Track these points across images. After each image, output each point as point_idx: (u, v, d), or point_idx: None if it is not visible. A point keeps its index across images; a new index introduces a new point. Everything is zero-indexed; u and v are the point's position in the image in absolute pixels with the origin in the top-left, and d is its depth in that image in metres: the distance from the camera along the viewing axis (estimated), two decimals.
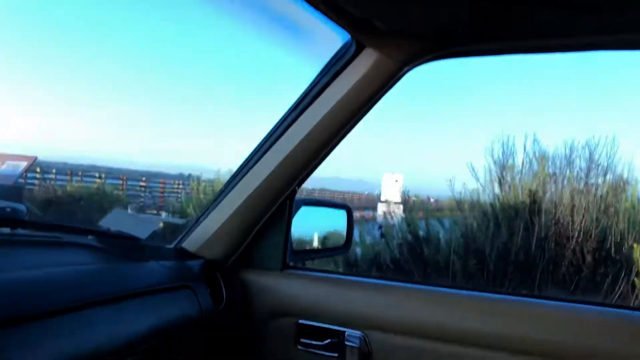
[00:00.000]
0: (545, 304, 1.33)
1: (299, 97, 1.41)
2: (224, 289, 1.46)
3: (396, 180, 6.97)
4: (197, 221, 1.55)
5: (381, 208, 6.68)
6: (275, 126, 1.45)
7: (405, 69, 1.28)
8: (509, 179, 4.98)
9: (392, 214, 5.74)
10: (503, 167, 5.14)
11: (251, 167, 1.45)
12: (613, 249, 3.97)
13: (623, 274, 3.78)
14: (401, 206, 6.11)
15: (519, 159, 5.18)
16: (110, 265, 1.23)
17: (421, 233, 4.81)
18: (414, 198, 6.39)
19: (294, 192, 1.52)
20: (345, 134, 1.42)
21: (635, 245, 3.78)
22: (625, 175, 4.88)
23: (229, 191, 1.49)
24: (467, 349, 1.31)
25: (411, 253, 4.58)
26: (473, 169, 5.25)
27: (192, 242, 1.53)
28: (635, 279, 3.70)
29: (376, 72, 1.28)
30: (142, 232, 1.50)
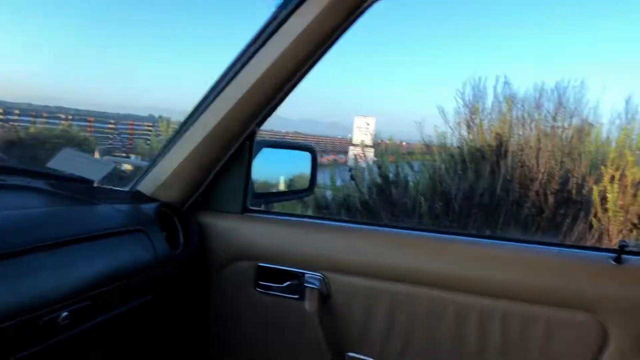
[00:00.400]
0: (498, 245, 1.35)
1: (258, 31, 1.34)
2: (180, 233, 1.44)
3: (368, 124, 6.91)
4: (154, 163, 1.50)
5: (352, 151, 6.67)
6: (232, 62, 1.38)
7: (369, 0, 1.22)
8: (477, 121, 5.00)
9: (363, 157, 5.74)
10: (472, 110, 5.14)
11: (208, 106, 1.39)
12: (574, 190, 4.08)
13: (582, 215, 3.91)
14: (372, 149, 6.11)
15: (489, 101, 5.19)
16: (59, 209, 1.19)
17: (391, 176, 4.84)
18: (387, 141, 6.39)
19: (254, 132, 1.47)
20: (308, 70, 1.36)
21: (594, 186, 3.90)
22: (590, 119, 4.97)
23: (185, 131, 1.43)
24: (424, 289, 1.34)
25: (380, 195, 4.63)
26: (443, 112, 5.25)
27: (147, 185, 1.48)
28: (593, 219, 3.84)
29: (339, 4, 1.22)
30: (96, 174, 1.45)
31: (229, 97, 1.36)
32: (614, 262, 1.23)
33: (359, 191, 4.77)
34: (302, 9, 1.25)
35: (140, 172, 1.53)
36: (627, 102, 5.04)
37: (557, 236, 3.90)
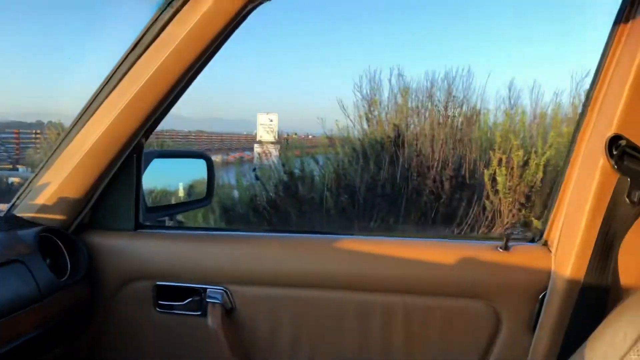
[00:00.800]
0: (397, 241, 1.39)
1: (137, 39, 1.25)
2: (67, 258, 1.32)
3: (271, 120, 6.89)
4: (31, 182, 1.36)
5: (257, 149, 6.61)
6: (112, 71, 1.28)
7: (250, 5, 1.19)
8: (375, 113, 5.16)
9: (268, 154, 5.71)
10: (370, 102, 5.30)
11: (88, 119, 1.28)
12: (467, 175, 4.36)
13: (476, 197, 4.19)
14: (277, 146, 6.09)
15: (385, 93, 5.37)
16: None
17: (296, 172, 4.86)
18: (293, 135, 6.40)
19: (141, 144, 1.38)
20: (194, 77, 1.30)
21: (485, 170, 4.19)
22: (478, 106, 5.32)
23: (65, 146, 1.31)
24: (328, 292, 1.34)
25: (286, 192, 4.63)
26: (343, 106, 5.36)
27: (26, 208, 1.34)
28: (486, 200, 4.12)
29: (219, 9, 1.17)
30: None
31: (110, 108, 1.26)
32: (501, 250, 1.32)
33: (265, 190, 4.74)
34: (183, 13, 1.19)
35: (18, 193, 1.38)
36: (510, 87, 5.47)
37: (455, 219, 4.15)
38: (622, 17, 1.20)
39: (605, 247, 1.18)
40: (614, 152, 1.15)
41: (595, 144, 1.21)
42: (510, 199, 4.00)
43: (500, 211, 4.04)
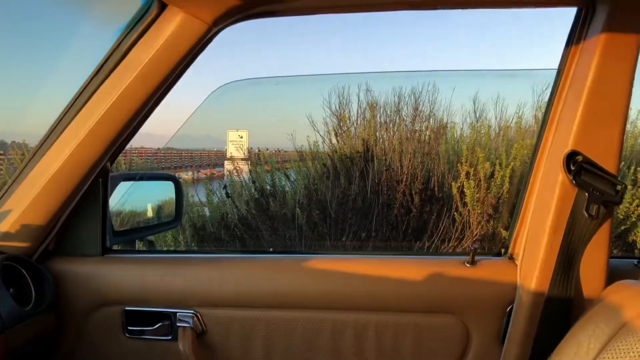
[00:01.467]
0: (367, 259, 1.41)
1: (100, 63, 1.24)
2: (32, 286, 1.28)
3: (241, 137, 6.84)
4: None
5: (227, 166, 6.55)
6: (74, 96, 1.27)
7: (215, 29, 1.20)
8: (345, 129, 5.20)
9: (239, 171, 5.67)
10: (339, 118, 5.34)
11: (51, 144, 1.26)
12: (436, 188, 4.42)
13: (445, 210, 4.25)
14: (247, 162, 6.06)
15: (353, 109, 5.43)
16: None
17: (267, 188, 4.84)
18: (265, 151, 6.37)
19: (106, 169, 1.37)
20: (159, 100, 1.30)
21: (453, 183, 4.26)
22: (445, 120, 5.42)
23: (28, 172, 1.28)
24: (299, 312, 1.35)
25: (258, 209, 4.60)
26: (312, 122, 5.38)
27: None
28: (455, 213, 4.19)
29: (183, 33, 1.18)
30: None
31: (74, 132, 1.25)
32: (468, 265, 1.35)
33: (236, 207, 4.70)
34: (147, 37, 1.19)
35: None
36: (474, 101, 5.61)
37: (426, 232, 4.19)
38: (574, 38, 1.26)
39: (568, 259, 1.22)
40: (572, 168, 1.20)
41: (554, 159, 1.26)
42: (479, 211, 4.07)
43: (469, 223, 4.11)
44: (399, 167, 4.38)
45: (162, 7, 1.17)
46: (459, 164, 4.36)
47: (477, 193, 4.06)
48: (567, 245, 1.22)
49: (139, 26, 1.20)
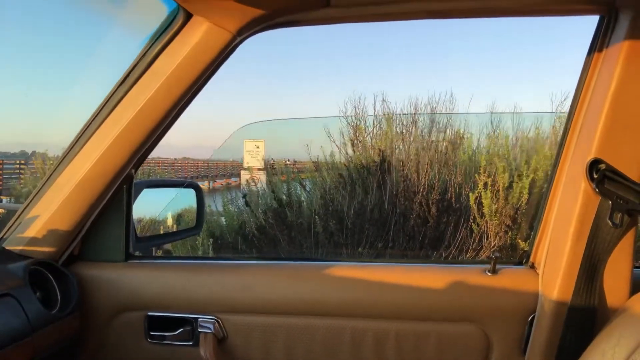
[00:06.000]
0: (387, 267, 1.41)
1: (126, 72, 1.28)
2: (57, 290, 1.31)
3: (257, 147, 6.90)
4: (21, 215, 1.36)
5: (244, 176, 6.60)
6: (101, 104, 1.30)
7: (239, 38, 1.22)
8: (361, 139, 5.21)
9: (256, 181, 5.71)
10: (356, 128, 5.36)
11: (79, 151, 1.29)
12: (454, 199, 4.40)
13: (463, 221, 4.23)
14: (264, 172, 6.09)
15: (370, 119, 5.45)
16: None
17: (284, 198, 4.87)
18: (286, 161, 6.41)
19: (131, 175, 1.39)
20: (183, 109, 1.33)
21: (470, 194, 4.23)
22: (461, 130, 5.41)
23: (55, 178, 1.32)
24: (320, 319, 1.35)
25: (276, 219, 4.62)
26: (329, 132, 5.41)
27: (15, 240, 1.33)
28: (473, 224, 4.16)
29: (208, 42, 1.20)
30: None
31: (100, 140, 1.28)
32: (489, 273, 1.34)
33: (255, 216, 4.72)
34: (172, 46, 1.22)
35: (6, 226, 1.37)
36: (491, 111, 5.58)
37: (443, 243, 4.16)
38: (596, 46, 1.25)
39: (591, 268, 1.21)
40: (595, 176, 1.19)
41: (576, 168, 1.25)
42: (497, 222, 4.03)
43: (487, 234, 4.07)
44: (416, 178, 4.38)
45: (188, 17, 1.20)
46: (476, 175, 4.33)
47: (494, 204, 4.02)
48: (590, 254, 1.20)
49: (164, 36, 1.23)
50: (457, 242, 4.09)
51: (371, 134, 5.34)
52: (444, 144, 5.03)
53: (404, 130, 5.29)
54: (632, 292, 1.20)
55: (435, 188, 4.34)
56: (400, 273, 1.36)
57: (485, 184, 4.14)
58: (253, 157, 6.88)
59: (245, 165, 7.03)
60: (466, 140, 5.38)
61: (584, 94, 1.27)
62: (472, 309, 1.32)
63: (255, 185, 5.59)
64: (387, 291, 1.34)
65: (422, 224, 4.24)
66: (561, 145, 1.34)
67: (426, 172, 4.42)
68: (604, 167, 1.19)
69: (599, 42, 1.25)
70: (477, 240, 4.07)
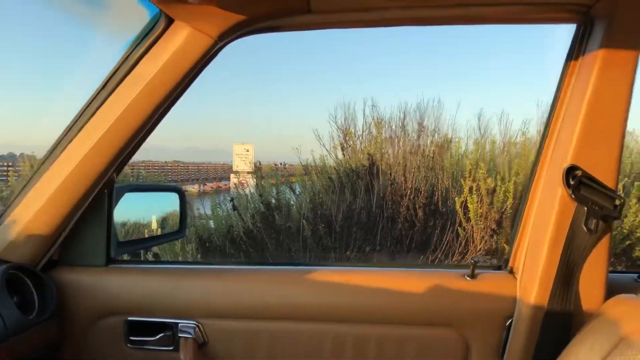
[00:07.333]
0: (368, 271, 1.41)
1: (108, 76, 1.27)
2: (35, 295, 1.30)
3: (247, 150, 6.91)
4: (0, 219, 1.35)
5: (233, 179, 6.60)
6: (82, 108, 1.30)
7: (220, 43, 1.23)
8: (351, 143, 5.24)
9: (245, 185, 5.71)
10: (345, 132, 5.38)
11: (58, 155, 1.29)
12: (440, 202, 4.43)
13: (449, 224, 4.25)
14: (253, 176, 6.10)
15: (359, 124, 5.47)
16: None
17: (273, 201, 4.86)
18: (279, 164, 6.41)
19: (112, 179, 1.39)
20: (164, 114, 1.33)
21: (456, 198, 4.26)
22: (449, 135, 5.45)
23: (35, 182, 1.31)
24: (302, 324, 1.35)
25: (264, 222, 4.62)
26: (319, 136, 5.43)
27: None
28: (459, 228, 4.18)
29: (189, 47, 1.21)
30: None
31: (81, 144, 1.27)
32: (468, 278, 1.35)
33: (242, 220, 4.72)
34: (154, 51, 1.22)
35: None
36: (479, 117, 5.63)
37: (429, 247, 4.19)
38: (573, 54, 1.27)
39: (567, 273, 1.23)
40: (571, 182, 1.21)
41: (553, 174, 1.27)
42: (482, 225, 4.06)
43: (472, 237, 4.10)
44: (403, 182, 4.40)
45: (169, 22, 1.20)
46: (462, 179, 4.36)
47: (480, 208, 4.05)
48: (566, 259, 1.22)
49: (146, 40, 1.23)
50: (443, 246, 4.12)
51: (360, 138, 5.36)
52: (432, 148, 5.07)
53: (393, 135, 5.32)
54: (607, 296, 1.22)
55: (422, 192, 4.36)
56: (381, 277, 1.37)
57: (471, 189, 4.17)
58: (242, 160, 6.89)
59: (234, 168, 7.04)
60: (454, 144, 5.43)
61: (561, 101, 1.29)
62: (451, 313, 1.33)
63: (244, 188, 5.59)
64: (369, 296, 1.34)
65: (410, 227, 4.27)
66: (539, 151, 1.36)
67: (413, 176, 4.44)
68: (580, 174, 1.21)
69: (576, 51, 1.27)
70: (462, 244, 4.10)
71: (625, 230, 4.01)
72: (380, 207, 4.37)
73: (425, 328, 1.34)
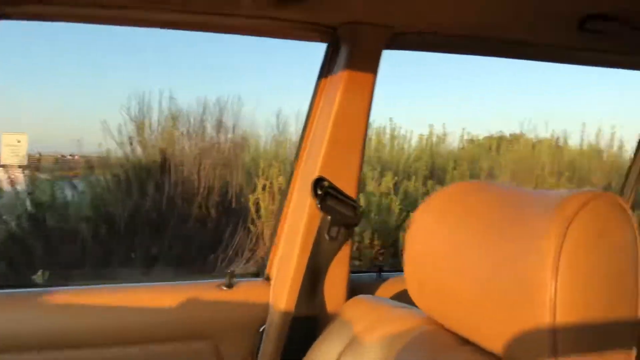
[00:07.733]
0: (114, 289, 1.31)
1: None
2: None
3: (19, 141, 5.98)
4: None
5: (2, 174, 5.67)
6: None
7: None
8: (144, 137, 4.91)
9: (16, 181, 4.96)
10: (138, 125, 5.03)
11: None
12: (234, 200, 4.44)
13: (241, 222, 4.29)
14: (26, 170, 5.33)
15: (154, 116, 5.16)
16: None
17: (45, 199, 4.30)
18: (66, 156, 5.68)
19: None
20: None
21: (250, 195, 4.32)
22: (247, 132, 5.49)
23: None
24: (38, 354, 1.18)
25: (34, 224, 4.05)
26: (108, 128, 4.96)
27: None
28: (251, 225, 4.26)
29: None
30: None
31: None
32: (225, 288, 1.34)
33: (5, 223, 4.07)
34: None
35: None
36: (278, 115, 5.79)
37: (221, 245, 4.16)
38: (323, 71, 1.35)
39: (313, 278, 1.30)
40: (319, 193, 1.28)
41: (305, 185, 1.33)
42: (272, 222, 4.19)
43: (263, 234, 4.21)
44: (197, 179, 4.29)
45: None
46: (256, 177, 4.44)
47: (271, 206, 4.18)
48: (312, 265, 1.29)
49: None
50: (234, 245, 4.14)
51: (155, 132, 5.06)
52: (229, 145, 5.04)
53: (190, 130, 5.15)
54: (351, 296, 1.33)
55: (216, 190, 4.32)
56: (127, 294, 1.28)
57: (264, 186, 4.27)
58: (13, 152, 5.95)
59: (2, 162, 6.04)
60: (252, 142, 5.49)
61: (313, 116, 1.36)
62: (204, 325, 1.31)
63: (14, 185, 4.85)
64: (111, 315, 1.24)
65: (202, 226, 4.19)
66: (294, 164, 1.42)
67: (207, 174, 4.36)
68: (326, 185, 1.29)
69: (326, 68, 1.35)
70: (254, 241, 4.18)
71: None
72: (171, 206, 4.19)
73: (176, 343, 1.29)
